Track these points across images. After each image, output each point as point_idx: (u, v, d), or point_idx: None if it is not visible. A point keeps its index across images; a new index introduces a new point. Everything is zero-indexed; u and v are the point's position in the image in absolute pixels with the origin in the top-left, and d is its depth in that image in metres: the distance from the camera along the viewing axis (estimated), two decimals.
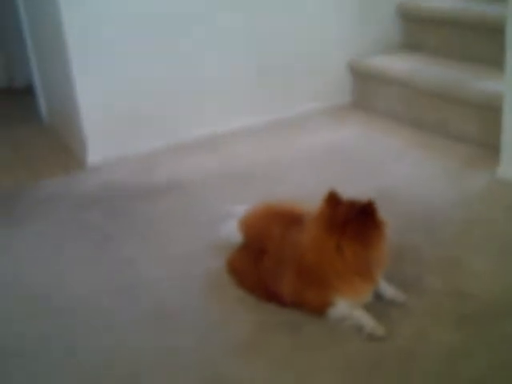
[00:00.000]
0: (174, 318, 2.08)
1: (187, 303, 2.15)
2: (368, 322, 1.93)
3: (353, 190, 2.46)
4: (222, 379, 1.81)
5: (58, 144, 3.73)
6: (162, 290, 2.23)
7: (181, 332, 2.02)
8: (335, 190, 1.96)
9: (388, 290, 2.05)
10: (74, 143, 3.55)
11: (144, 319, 2.09)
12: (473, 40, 3.53)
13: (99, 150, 3.33)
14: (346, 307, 1.96)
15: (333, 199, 1.95)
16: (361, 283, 1.95)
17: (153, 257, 2.45)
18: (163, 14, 3.29)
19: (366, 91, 3.86)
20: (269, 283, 2.05)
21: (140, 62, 3.32)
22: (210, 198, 2.86)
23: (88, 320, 2.11)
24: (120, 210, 2.84)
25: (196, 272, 2.30)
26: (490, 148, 3.02)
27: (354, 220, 1.90)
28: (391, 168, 3.05)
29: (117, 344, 1.98)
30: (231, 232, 2.29)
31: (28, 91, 4.53)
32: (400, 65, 3.68)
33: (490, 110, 3.04)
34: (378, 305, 2.03)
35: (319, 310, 1.98)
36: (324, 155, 3.24)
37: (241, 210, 2.33)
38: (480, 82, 3.21)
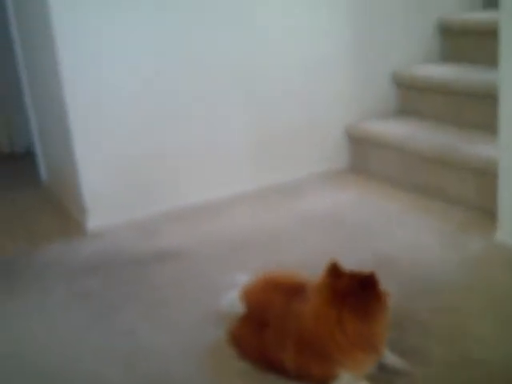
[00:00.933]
0: None
1: (189, 375, 2.12)
2: None
3: (351, 258, 2.49)
4: None
5: (57, 209, 3.75)
6: (162, 361, 2.21)
7: None
8: (336, 261, 1.97)
9: (392, 360, 2.04)
10: (73, 208, 3.57)
11: None
12: (466, 106, 3.60)
13: (99, 215, 3.35)
14: (350, 379, 1.94)
15: (334, 270, 1.95)
16: (364, 356, 1.94)
17: (153, 326, 2.43)
18: (164, 89, 3.38)
19: (363, 156, 3.91)
20: (271, 354, 2.03)
21: (140, 127, 3.38)
22: (210, 267, 2.86)
23: None
24: (120, 277, 2.83)
25: (198, 342, 2.28)
26: (488, 212, 3.04)
27: (355, 292, 1.90)
28: (389, 233, 3.06)
29: None
30: (233, 302, 2.28)
31: (28, 155, 4.58)
32: (396, 130, 3.74)
33: (485, 174, 3.09)
34: (382, 375, 2.01)
35: (323, 382, 1.96)
36: (322, 222, 3.25)
37: (243, 279, 2.33)
38: (475, 147, 3.26)
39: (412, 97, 3.96)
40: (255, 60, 3.62)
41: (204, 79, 3.49)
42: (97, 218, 3.35)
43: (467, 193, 3.26)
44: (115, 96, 3.28)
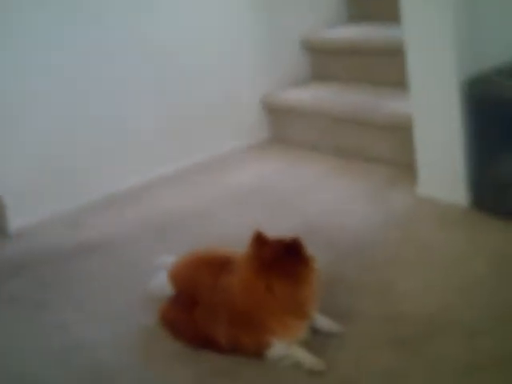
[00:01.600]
0: (110, 379, 2.02)
1: (122, 363, 2.10)
2: (306, 358, 1.92)
3: (279, 226, 2.50)
4: None
5: None
6: (95, 352, 2.17)
7: None
8: (260, 231, 1.96)
9: (323, 323, 2.06)
10: None
11: (79, 382, 2.03)
12: (377, 65, 3.63)
13: (20, 214, 3.24)
14: (283, 347, 1.95)
15: (258, 240, 1.95)
16: (294, 321, 1.95)
17: (83, 319, 2.38)
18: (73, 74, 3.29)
19: (282, 125, 3.91)
20: (204, 331, 2.02)
21: (58, 117, 3.28)
22: (137, 253, 2.81)
23: None
24: (47, 274, 2.75)
25: (129, 329, 2.26)
26: (408, 167, 3.08)
27: (280, 259, 1.90)
28: (314, 199, 3.08)
29: None
30: (161, 285, 2.25)
31: None
32: (311, 96, 3.75)
33: (401, 130, 3.13)
34: (315, 339, 2.02)
35: (256, 352, 1.96)
36: (247, 194, 3.24)
37: (169, 260, 2.30)
38: (389, 104, 3.30)
39: (324, 61, 3.97)
40: (165, 37, 3.55)
41: (112, 58, 3.40)
42: (17, 217, 3.24)
43: (386, 150, 3.30)
44: (24, 89, 3.17)
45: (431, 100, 2.77)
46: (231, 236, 2.67)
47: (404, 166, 3.15)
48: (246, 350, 1.97)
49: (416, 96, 2.83)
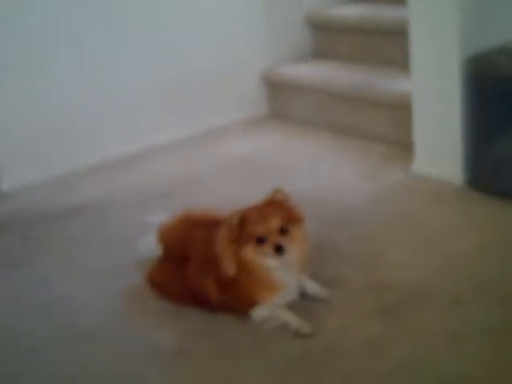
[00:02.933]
0: (93, 334, 2.02)
1: (106, 319, 2.09)
2: (292, 319, 1.92)
3: None
4: None
5: None
6: (80, 310, 2.16)
7: (102, 347, 1.96)
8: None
9: (311, 288, 2.05)
10: None
11: (62, 337, 2.02)
12: (379, 44, 3.61)
13: (13, 175, 3.22)
14: (268, 308, 1.94)
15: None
16: (281, 280, 1.94)
17: (70, 277, 2.37)
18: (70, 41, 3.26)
19: (281, 101, 3.89)
20: (194, 288, 2.02)
21: (52, 80, 3.25)
22: (128, 216, 2.79)
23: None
24: (37, 233, 2.74)
25: (116, 289, 2.24)
26: (404, 146, 3.07)
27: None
28: (309, 173, 3.07)
29: (34, 367, 1.90)
30: (150, 245, 2.24)
31: None
32: (312, 72, 3.72)
33: (400, 109, 3.11)
34: (303, 303, 2.02)
35: (243, 311, 1.95)
36: (242, 166, 3.23)
37: (158, 219, 2.28)
38: (389, 83, 3.29)
39: (327, 38, 3.94)
40: (165, 10, 3.50)
41: (112, 28, 3.37)
42: (9, 177, 3.22)
43: (383, 128, 3.29)
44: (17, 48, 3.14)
45: (432, 78, 2.76)
46: (221, 203, 2.64)
47: (401, 145, 3.13)
48: (234, 308, 1.97)
49: (417, 74, 2.82)
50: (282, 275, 1.95)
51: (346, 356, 1.81)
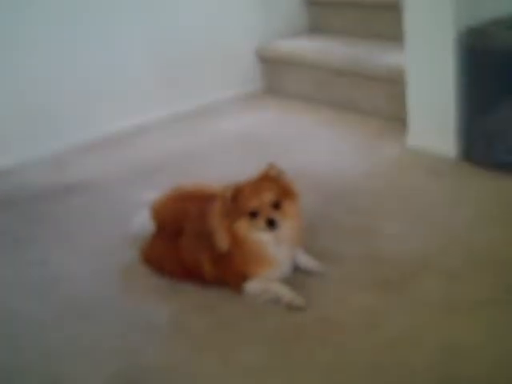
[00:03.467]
0: (90, 310, 2.03)
1: (102, 296, 2.10)
2: (285, 293, 1.93)
3: None
4: (144, 364, 1.77)
5: None
6: (76, 287, 2.18)
7: (99, 323, 1.97)
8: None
9: (306, 262, 2.06)
10: None
11: (60, 314, 2.04)
12: (374, 18, 3.60)
13: (7, 153, 3.22)
14: (261, 282, 1.95)
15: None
16: (275, 255, 1.96)
17: (64, 255, 2.38)
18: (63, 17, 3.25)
19: (276, 76, 3.88)
20: (188, 263, 2.02)
21: (47, 59, 3.24)
22: (124, 191, 2.80)
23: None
24: (31, 212, 2.74)
25: (110, 266, 2.25)
26: (399, 120, 3.07)
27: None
28: (305, 147, 3.07)
29: (35, 344, 1.92)
30: (143, 222, 2.24)
31: None
32: (307, 47, 3.71)
33: (395, 83, 3.10)
34: (297, 276, 2.03)
35: (237, 285, 1.97)
36: (238, 141, 3.23)
37: (151, 196, 2.28)
38: (384, 57, 3.27)
39: (322, 13, 3.92)
40: None
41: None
42: (4, 155, 3.22)
43: (378, 103, 3.28)
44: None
45: (426, 51, 2.75)
46: (217, 178, 2.64)
47: (395, 119, 3.13)
48: (227, 282, 1.98)
49: (411, 47, 2.80)
50: (275, 249, 1.95)
51: (341, 328, 1.82)
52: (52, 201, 2.81)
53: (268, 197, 1.90)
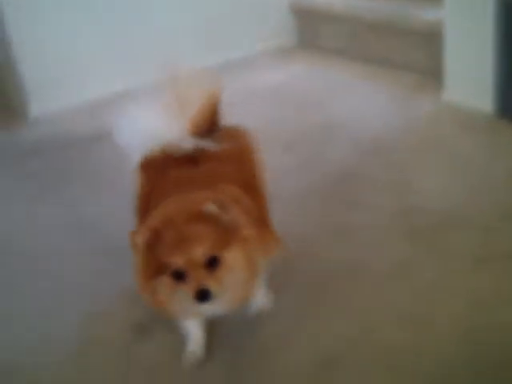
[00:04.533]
0: (117, 252, 2.04)
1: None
2: (191, 341, 1.62)
3: (302, 124, 2.50)
4: None
5: None
6: (109, 227, 2.23)
7: (126, 262, 2.00)
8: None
9: (256, 304, 1.71)
10: (13, 96, 3.47)
11: (88, 254, 2.12)
12: None
13: (40, 101, 3.26)
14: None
15: None
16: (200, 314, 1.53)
17: (96, 199, 2.44)
18: None
19: (311, 30, 3.85)
20: None
21: (80, 10, 3.26)
22: None
23: (42, 260, 2.12)
24: (63, 158, 2.80)
25: None
26: (435, 75, 3.04)
27: None
28: (339, 101, 3.06)
29: (73, 280, 2.00)
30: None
31: None
32: (342, 1, 3.67)
33: (432, 37, 3.07)
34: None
35: None
36: (271, 93, 3.23)
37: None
38: (421, 11, 3.24)
39: None
40: None
41: None
42: (38, 103, 3.27)
43: (415, 57, 3.25)
44: None
45: (465, 5, 2.71)
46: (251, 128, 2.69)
47: (431, 74, 3.10)
48: None
49: (450, 1, 2.77)
50: (207, 309, 1.44)
51: (371, 276, 1.86)
52: (85, 149, 2.87)
53: (199, 252, 1.33)
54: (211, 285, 1.32)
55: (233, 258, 1.36)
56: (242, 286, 1.41)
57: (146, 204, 1.56)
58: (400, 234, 2.03)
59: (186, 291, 1.33)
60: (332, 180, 2.34)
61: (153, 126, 1.66)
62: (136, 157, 1.71)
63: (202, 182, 1.54)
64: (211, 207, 1.35)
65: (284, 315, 1.74)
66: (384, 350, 1.61)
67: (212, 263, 1.34)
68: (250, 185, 1.62)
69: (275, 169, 2.40)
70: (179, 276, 1.33)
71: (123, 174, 2.51)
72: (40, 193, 2.54)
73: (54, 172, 2.69)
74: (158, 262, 1.34)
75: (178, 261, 1.32)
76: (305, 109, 3.00)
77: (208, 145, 1.61)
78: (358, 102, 3.03)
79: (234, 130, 1.76)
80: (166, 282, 1.35)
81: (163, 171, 1.60)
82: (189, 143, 1.60)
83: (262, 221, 1.57)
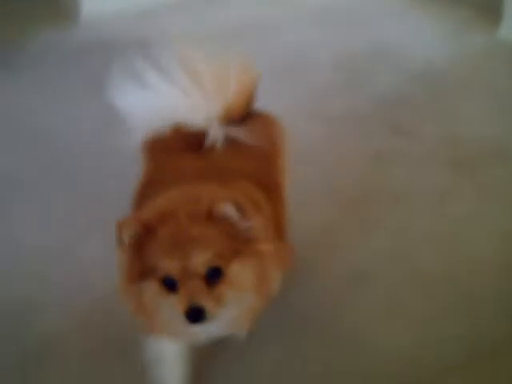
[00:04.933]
0: None
1: None
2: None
3: (347, 47, 2.44)
4: None
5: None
6: None
7: None
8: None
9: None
10: None
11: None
12: None
13: (93, 2, 3.24)
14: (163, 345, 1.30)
15: None
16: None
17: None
18: None
19: None
20: None
21: None
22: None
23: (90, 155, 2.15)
24: (115, 59, 2.78)
25: None
26: (491, 9, 2.95)
27: None
28: (390, 26, 2.99)
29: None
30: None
31: None
32: None
33: None
34: None
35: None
36: (320, 13, 3.13)
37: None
38: None
39: None
40: None
41: None
42: (90, 4, 3.24)
43: None
44: None
45: None
46: (293, 51, 2.65)
47: (488, 8, 2.99)
48: None
49: None
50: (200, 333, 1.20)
51: (410, 200, 1.87)
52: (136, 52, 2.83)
53: (199, 259, 1.07)
54: (207, 303, 1.06)
55: (240, 272, 1.10)
56: (247, 309, 1.15)
57: (147, 191, 1.31)
58: (442, 162, 2.02)
59: (175, 305, 1.07)
60: (376, 103, 2.32)
61: (174, 103, 1.44)
62: (141, 134, 1.48)
63: (217, 174, 1.29)
64: (227, 208, 1.09)
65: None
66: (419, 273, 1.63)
67: (213, 276, 1.08)
68: (271, 189, 1.34)
69: (320, 88, 2.41)
70: (170, 284, 1.08)
71: None
72: (86, 91, 2.53)
73: (103, 71, 2.66)
74: (146, 263, 1.09)
75: (170, 266, 1.07)
76: (354, 32, 2.92)
77: (240, 135, 1.39)
78: (409, 30, 2.94)
79: (266, 120, 1.51)
80: (152, 287, 1.09)
81: (172, 155, 1.38)
82: (218, 131, 1.39)
83: (279, 232, 1.30)
